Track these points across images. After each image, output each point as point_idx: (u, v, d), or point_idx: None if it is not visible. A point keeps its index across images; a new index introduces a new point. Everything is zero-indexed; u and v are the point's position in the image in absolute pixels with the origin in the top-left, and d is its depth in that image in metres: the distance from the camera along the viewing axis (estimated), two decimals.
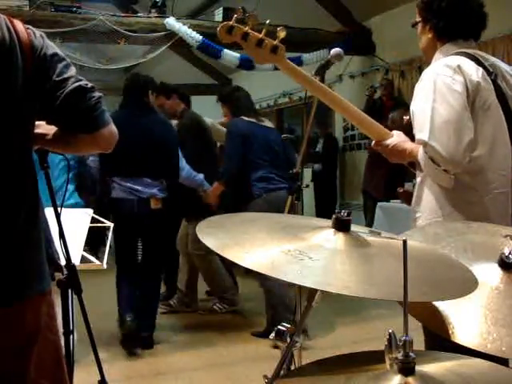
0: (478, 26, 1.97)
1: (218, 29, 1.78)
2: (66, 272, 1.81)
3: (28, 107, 1.39)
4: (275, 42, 1.81)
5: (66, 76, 1.39)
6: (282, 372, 1.22)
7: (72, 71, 1.41)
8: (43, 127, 1.48)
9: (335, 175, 7.62)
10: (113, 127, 1.46)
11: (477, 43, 1.99)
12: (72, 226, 2.17)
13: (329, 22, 6.83)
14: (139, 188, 3.80)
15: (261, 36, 1.80)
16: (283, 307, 3.83)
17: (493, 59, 1.93)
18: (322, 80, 2.11)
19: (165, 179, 3.95)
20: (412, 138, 1.92)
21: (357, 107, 2.01)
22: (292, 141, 8.11)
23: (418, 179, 1.97)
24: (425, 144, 1.78)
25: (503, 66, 1.96)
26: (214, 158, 4.81)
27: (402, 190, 2.31)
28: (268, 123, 4.41)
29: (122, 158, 3.46)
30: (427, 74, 1.87)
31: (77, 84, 1.39)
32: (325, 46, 6.08)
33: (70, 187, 3.37)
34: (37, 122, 1.46)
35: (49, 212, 1.74)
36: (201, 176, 4.31)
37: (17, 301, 1.39)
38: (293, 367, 1.43)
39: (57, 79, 1.37)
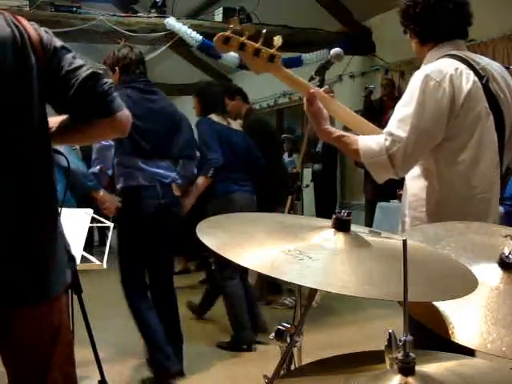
0: (459, 26, 1.94)
1: (215, 40, 1.78)
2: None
3: (43, 103, 1.41)
4: (272, 51, 1.81)
5: (77, 65, 1.42)
6: (282, 372, 1.22)
7: (81, 61, 1.45)
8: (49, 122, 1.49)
9: (335, 175, 7.62)
10: (127, 112, 1.49)
11: (465, 40, 1.97)
12: (72, 226, 2.17)
13: (329, 22, 6.83)
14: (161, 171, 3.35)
15: (257, 45, 1.80)
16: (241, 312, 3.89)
17: (484, 62, 1.92)
18: (322, 80, 2.10)
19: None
20: None
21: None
22: (292, 141, 8.15)
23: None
24: (398, 141, 1.76)
25: (495, 67, 1.94)
26: (279, 160, 4.83)
27: (400, 193, 2.30)
28: (235, 125, 4.29)
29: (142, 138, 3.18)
30: (417, 74, 1.85)
31: (90, 71, 1.42)
32: (325, 46, 6.08)
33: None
34: None
35: None
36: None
37: (46, 299, 1.40)
38: (293, 367, 1.43)
39: (69, 68, 1.40)
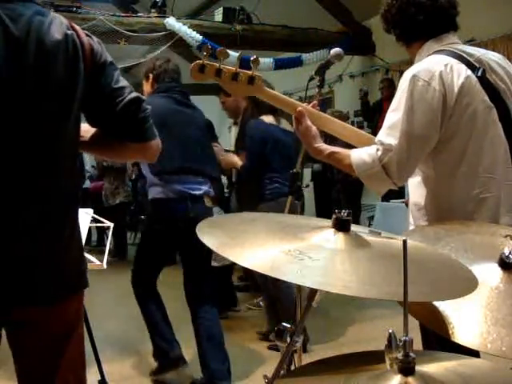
0: (442, 20, 1.83)
1: (190, 69, 1.72)
2: None
3: (80, 110, 1.42)
4: (251, 73, 1.75)
5: (122, 85, 1.45)
6: (282, 372, 1.22)
7: (125, 81, 1.47)
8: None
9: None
10: (158, 141, 1.52)
11: (456, 31, 1.85)
12: None
13: (329, 22, 6.83)
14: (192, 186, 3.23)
15: (235, 69, 1.74)
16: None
17: (479, 53, 1.79)
18: (323, 80, 2.10)
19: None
20: None
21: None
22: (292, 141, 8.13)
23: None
24: (389, 149, 1.68)
25: (492, 57, 1.82)
26: None
27: (405, 201, 2.28)
28: (287, 126, 4.15)
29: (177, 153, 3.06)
30: (405, 75, 1.77)
31: (134, 95, 1.45)
32: (325, 46, 6.09)
33: None
34: None
35: None
36: None
37: (67, 296, 1.42)
38: (293, 367, 1.43)
39: (115, 86, 1.43)
